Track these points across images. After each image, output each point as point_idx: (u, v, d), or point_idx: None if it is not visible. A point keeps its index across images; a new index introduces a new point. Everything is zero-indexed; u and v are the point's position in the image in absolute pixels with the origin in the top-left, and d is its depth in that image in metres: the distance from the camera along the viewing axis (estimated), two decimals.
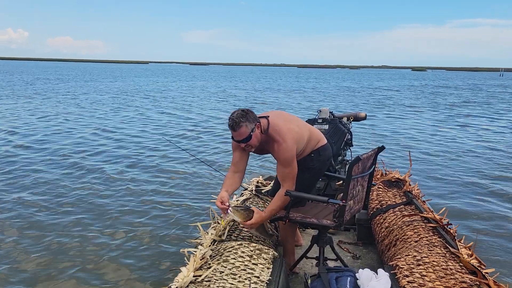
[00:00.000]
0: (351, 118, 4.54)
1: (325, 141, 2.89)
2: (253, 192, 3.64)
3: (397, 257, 2.47)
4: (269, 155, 2.73)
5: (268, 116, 2.64)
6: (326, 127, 4.30)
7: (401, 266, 2.29)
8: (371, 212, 3.38)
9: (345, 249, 3.43)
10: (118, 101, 19.54)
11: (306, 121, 4.02)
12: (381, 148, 2.77)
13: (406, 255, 2.42)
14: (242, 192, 3.70)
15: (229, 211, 2.53)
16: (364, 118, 4.63)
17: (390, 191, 3.59)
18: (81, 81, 36.81)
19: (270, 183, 3.84)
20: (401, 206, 3.22)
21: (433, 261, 2.26)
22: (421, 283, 2.08)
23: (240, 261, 2.29)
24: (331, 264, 2.83)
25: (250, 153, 2.73)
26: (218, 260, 2.31)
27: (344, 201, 2.44)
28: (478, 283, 2.04)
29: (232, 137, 2.57)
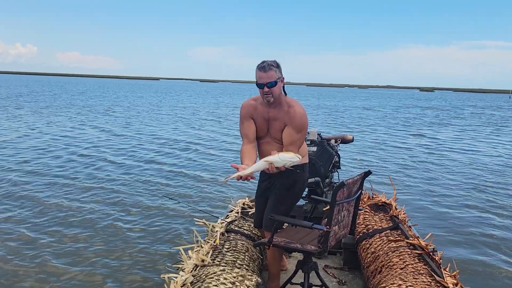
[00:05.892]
0: (339, 140, 4.53)
1: (307, 160, 2.93)
2: (239, 214, 3.60)
3: (382, 285, 2.43)
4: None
5: None
6: (315, 149, 4.28)
7: None
8: (357, 237, 3.35)
9: (330, 274, 3.37)
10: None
11: None
12: (368, 173, 2.75)
13: (391, 283, 2.37)
14: (228, 214, 3.65)
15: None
16: (351, 141, 4.63)
17: (377, 215, 3.56)
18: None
19: None
20: (387, 231, 3.19)
21: None
22: None
23: None
24: None
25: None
26: (199, 287, 2.25)
27: (328, 227, 2.40)
28: None
29: (257, 83, 2.64)
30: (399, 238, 3.02)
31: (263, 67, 2.60)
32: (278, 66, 2.63)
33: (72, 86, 65.15)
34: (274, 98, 2.64)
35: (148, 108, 26.36)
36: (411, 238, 2.94)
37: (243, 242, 3.04)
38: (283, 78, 2.68)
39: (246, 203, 3.83)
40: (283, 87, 2.70)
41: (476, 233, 5.46)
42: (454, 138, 16.10)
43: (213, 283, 2.26)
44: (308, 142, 4.27)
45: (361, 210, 3.14)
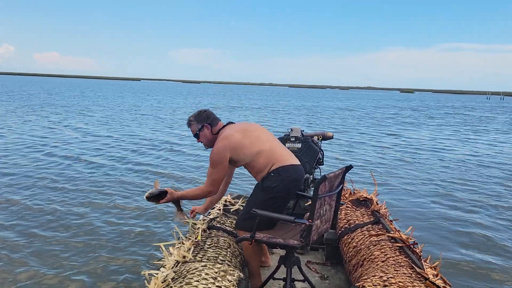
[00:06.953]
0: (320, 137, 4.56)
1: (290, 162, 2.80)
2: (221, 211, 3.57)
3: (363, 277, 2.43)
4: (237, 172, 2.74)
5: (231, 123, 2.93)
6: (299, 145, 4.30)
7: (368, 287, 2.25)
8: (339, 232, 3.36)
9: (313, 270, 3.38)
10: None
11: (279, 139, 4.00)
12: (349, 167, 2.76)
13: (372, 276, 2.39)
14: (210, 211, 3.62)
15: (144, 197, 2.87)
16: (331, 138, 4.66)
17: (358, 210, 3.58)
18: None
19: (238, 202, 3.78)
20: (369, 226, 3.21)
21: (399, 281, 2.24)
22: None
23: (203, 284, 2.19)
24: (298, 285, 2.77)
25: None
26: (180, 282, 2.21)
27: (310, 220, 2.40)
28: None
29: None
30: (380, 232, 3.04)
31: (186, 124, 2.96)
32: (196, 117, 2.89)
33: (50, 86, 63.60)
34: (206, 145, 2.93)
35: (123, 108, 25.95)
36: (392, 232, 2.97)
37: (225, 239, 3.01)
38: (206, 124, 2.88)
39: (228, 200, 3.80)
40: (211, 130, 2.88)
41: (455, 227, 5.58)
42: (431, 136, 16.41)
43: (195, 278, 2.23)
44: (293, 139, 4.28)
45: (342, 205, 3.15)
